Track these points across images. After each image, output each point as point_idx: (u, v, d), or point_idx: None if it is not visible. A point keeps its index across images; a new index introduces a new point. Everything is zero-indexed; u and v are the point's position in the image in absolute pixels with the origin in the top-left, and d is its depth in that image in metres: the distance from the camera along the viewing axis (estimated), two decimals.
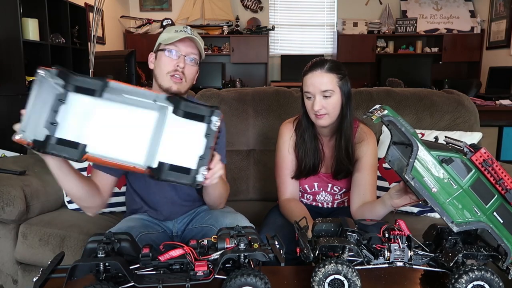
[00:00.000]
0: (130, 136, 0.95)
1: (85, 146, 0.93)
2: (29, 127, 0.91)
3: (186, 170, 0.95)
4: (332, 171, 1.52)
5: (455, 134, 1.90)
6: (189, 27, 1.39)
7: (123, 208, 1.83)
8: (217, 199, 1.45)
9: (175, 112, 0.95)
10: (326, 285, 0.93)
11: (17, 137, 0.92)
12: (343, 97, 1.41)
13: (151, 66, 1.44)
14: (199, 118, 0.97)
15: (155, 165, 0.94)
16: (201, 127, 0.97)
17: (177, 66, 1.35)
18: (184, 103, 0.96)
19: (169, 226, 1.54)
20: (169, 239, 1.49)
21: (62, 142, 0.92)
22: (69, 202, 1.89)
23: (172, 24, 5.71)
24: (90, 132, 0.94)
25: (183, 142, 0.96)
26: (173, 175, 0.94)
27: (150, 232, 1.43)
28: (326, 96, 1.38)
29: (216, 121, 0.97)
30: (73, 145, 0.92)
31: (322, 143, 1.53)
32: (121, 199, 1.83)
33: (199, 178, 0.95)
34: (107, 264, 0.89)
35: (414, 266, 0.99)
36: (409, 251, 0.98)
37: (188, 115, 0.96)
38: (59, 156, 0.94)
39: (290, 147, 1.53)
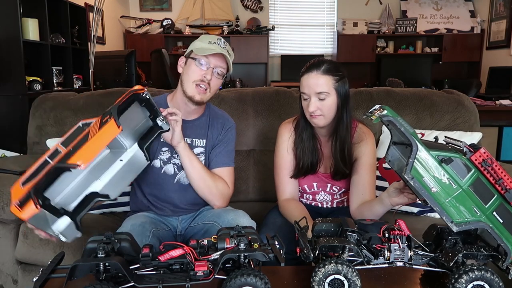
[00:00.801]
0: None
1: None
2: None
3: (150, 129, 1.15)
4: (330, 171, 1.52)
5: (455, 134, 1.90)
6: (222, 40, 1.44)
7: (124, 208, 1.83)
8: (201, 183, 1.46)
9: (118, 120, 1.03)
10: (326, 285, 0.93)
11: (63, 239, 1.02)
12: (339, 99, 1.40)
13: (179, 70, 1.49)
14: (129, 104, 1.09)
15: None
16: (135, 104, 1.11)
17: (204, 77, 1.40)
18: (116, 109, 1.04)
19: (174, 224, 1.55)
20: (173, 238, 1.50)
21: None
22: None
23: (172, 24, 5.72)
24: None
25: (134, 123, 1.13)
26: (148, 138, 1.12)
27: (159, 229, 1.44)
28: (321, 98, 1.38)
29: (143, 94, 1.10)
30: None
31: (320, 143, 1.53)
32: (122, 199, 1.83)
33: (160, 123, 1.15)
34: (107, 264, 0.89)
35: (414, 266, 0.99)
36: (409, 251, 0.98)
37: (123, 110, 1.07)
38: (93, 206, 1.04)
39: (289, 147, 1.54)
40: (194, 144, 1.51)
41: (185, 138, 1.45)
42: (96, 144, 0.97)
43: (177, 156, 1.47)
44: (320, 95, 1.37)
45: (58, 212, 0.99)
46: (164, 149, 1.48)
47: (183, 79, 1.44)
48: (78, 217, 1.01)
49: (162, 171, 1.49)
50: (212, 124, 1.56)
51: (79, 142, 1.00)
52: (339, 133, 1.44)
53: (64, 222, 1.00)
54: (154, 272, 0.93)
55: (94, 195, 1.03)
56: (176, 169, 1.50)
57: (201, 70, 1.41)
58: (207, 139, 1.53)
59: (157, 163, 1.49)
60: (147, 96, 1.08)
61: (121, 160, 1.06)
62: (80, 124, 1.11)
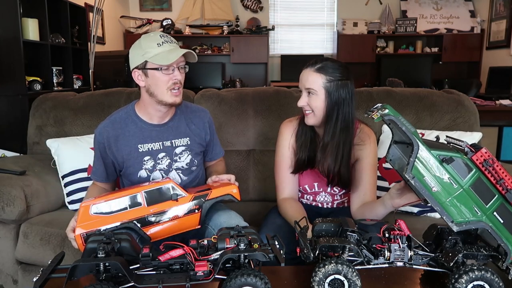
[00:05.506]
0: None
1: None
2: None
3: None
4: None
5: (455, 134, 1.90)
6: (164, 34, 1.41)
7: None
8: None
9: None
10: (326, 285, 0.93)
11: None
12: (328, 100, 1.37)
13: (141, 84, 1.42)
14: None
15: None
16: None
17: (176, 79, 1.39)
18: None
19: None
20: (170, 238, 1.49)
21: None
22: (70, 202, 1.89)
23: (172, 24, 5.71)
24: None
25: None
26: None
27: None
28: (310, 93, 1.39)
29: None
30: None
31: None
32: None
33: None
34: (107, 264, 0.89)
35: (414, 266, 0.99)
36: (409, 251, 0.98)
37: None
38: None
39: (290, 145, 1.53)
40: (175, 145, 1.50)
41: (164, 142, 1.47)
42: (172, 229, 1.17)
43: (162, 161, 1.48)
44: (308, 90, 1.39)
45: None
46: (146, 158, 1.47)
47: (153, 91, 1.39)
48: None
49: (151, 179, 1.49)
50: (190, 120, 1.55)
51: (159, 217, 1.15)
52: (324, 138, 1.41)
53: None
54: (154, 272, 0.93)
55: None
56: (163, 174, 1.49)
57: (169, 75, 1.38)
58: (190, 137, 1.53)
59: (143, 173, 1.48)
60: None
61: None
62: (170, 186, 1.17)
